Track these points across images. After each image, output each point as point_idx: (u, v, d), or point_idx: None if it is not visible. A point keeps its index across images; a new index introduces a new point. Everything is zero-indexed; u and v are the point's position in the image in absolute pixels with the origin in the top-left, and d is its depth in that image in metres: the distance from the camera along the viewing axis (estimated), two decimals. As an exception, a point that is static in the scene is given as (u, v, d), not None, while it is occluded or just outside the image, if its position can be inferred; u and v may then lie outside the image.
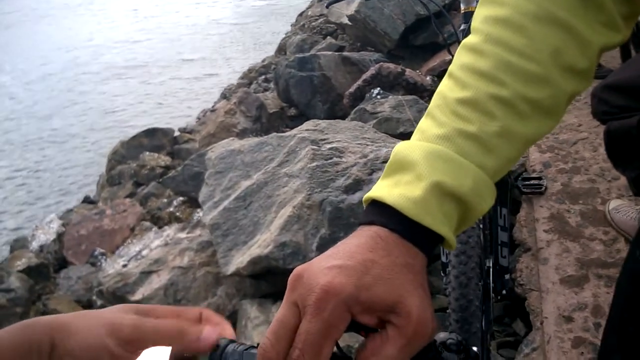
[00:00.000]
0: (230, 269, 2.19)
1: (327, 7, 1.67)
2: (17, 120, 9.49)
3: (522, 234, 2.14)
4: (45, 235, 4.34)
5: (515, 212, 2.26)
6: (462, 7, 1.49)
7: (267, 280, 2.27)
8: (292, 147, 2.40)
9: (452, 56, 1.63)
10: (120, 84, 10.72)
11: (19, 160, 8.09)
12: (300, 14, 10.15)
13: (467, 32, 1.44)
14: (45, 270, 3.67)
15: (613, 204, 2.06)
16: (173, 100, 9.49)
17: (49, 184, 7.27)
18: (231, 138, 3.35)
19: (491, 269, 1.56)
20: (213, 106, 7.61)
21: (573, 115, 2.76)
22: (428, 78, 4.37)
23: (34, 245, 4.26)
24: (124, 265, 2.70)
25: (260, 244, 2.13)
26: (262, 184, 2.35)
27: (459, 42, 1.48)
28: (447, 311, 1.21)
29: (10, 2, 20.26)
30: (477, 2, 1.51)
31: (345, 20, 5.58)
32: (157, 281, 2.47)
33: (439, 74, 4.41)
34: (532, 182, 2.31)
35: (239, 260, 2.17)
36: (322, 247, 2.09)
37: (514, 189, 2.23)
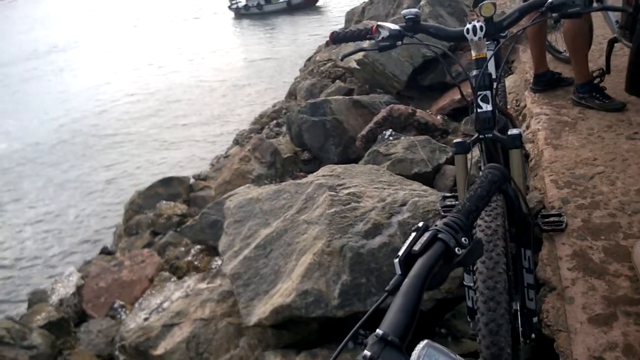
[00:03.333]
0: (253, 319, 2.18)
1: (341, 59, 1.73)
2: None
3: (545, 273, 2.11)
4: (64, 288, 4.35)
5: (537, 250, 2.24)
6: (474, 54, 1.53)
7: (290, 329, 2.25)
8: (310, 194, 2.42)
9: (464, 96, 1.67)
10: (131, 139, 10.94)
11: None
12: (309, 59, 10.39)
13: (480, 78, 1.48)
14: (66, 325, 3.67)
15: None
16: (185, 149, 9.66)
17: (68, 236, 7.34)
18: (247, 185, 3.40)
19: (519, 312, 1.54)
20: (226, 152, 7.73)
21: (588, 149, 2.76)
22: (439, 117, 4.41)
23: (54, 298, 4.27)
24: (146, 319, 2.70)
25: (282, 293, 2.13)
26: (282, 232, 2.36)
27: (472, 86, 1.51)
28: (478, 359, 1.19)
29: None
30: (487, 48, 1.55)
31: (354, 65, 5.70)
32: (179, 334, 2.45)
33: (449, 113, 4.46)
34: (551, 219, 2.29)
35: (261, 310, 2.16)
36: (344, 294, 2.08)
37: (535, 228, 2.22)
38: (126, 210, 5.79)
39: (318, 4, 24.86)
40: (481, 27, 1.48)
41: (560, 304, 1.94)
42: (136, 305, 3.28)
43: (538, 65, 3.50)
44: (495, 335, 1.13)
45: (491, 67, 1.64)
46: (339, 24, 13.92)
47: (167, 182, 5.77)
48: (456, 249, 0.74)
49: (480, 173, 0.91)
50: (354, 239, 2.14)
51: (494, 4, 1.50)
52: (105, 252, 5.68)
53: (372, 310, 0.70)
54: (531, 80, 3.58)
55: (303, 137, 4.84)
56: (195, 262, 3.82)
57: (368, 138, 4.12)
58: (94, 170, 9.46)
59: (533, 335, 1.56)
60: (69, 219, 7.80)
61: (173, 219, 4.94)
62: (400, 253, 0.74)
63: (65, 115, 13.16)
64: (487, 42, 1.64)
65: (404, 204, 2.25)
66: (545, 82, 3.48)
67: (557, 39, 3.86)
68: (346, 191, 2.37)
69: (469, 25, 1.50)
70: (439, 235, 0.74)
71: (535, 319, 1.58)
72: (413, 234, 0.77)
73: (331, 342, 2.17)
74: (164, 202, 5.32)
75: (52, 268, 6.51)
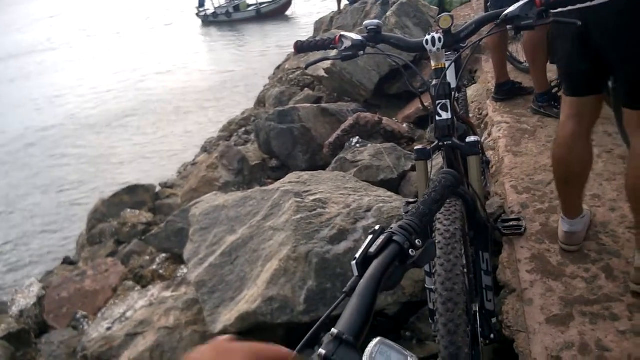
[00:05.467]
0: (218, 327, 2.16)
1: (306, 68, 1.75)
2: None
3: (505, 276, 2.17)
4: (25, 299, 4.23)
5: (498, 254, 2.30)
6: (433, 64, 1.58)
7: (256, 336, 2.24)
8: (276, 201, 2.43)
9: (424, 106, 1.71)
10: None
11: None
12: (278, 67, 10.41)
13: (439, 88, 1.52)
14: (27, 336, 3.56)
15: None
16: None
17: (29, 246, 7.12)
18: (214, 192, 3.38)
19: (478, 314, 1.59)
20: (194, 160, 7.65)
21: (546, 156, 2.85)
22: (405, 125, 4.49)
23: (14, 309, 4.14)
24: (108, 328, 2.64)
25: (248, 300, 2.13)
26: (248, 239, 2.36)
27: (431, 95, 1.55)
28: (438, 359, 1.22)
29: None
30: (446, 58, 1.60)
31: (322, 73, 5.75)
32: (142, 343, 2.41)
33: (415, 121, 4.54)
34: (511, 223, 2.36)
35: (227, 317, 2.15)
36: (310, 299, 2.09)
37: (494, 232, 2.28)
38: (89, 218, 5.66)
39: (287, 12, 24.95)
40: (439, 39, 1.53)
41: (519, 306, 2.00)
42: (99, 315, 3.21)
43: (499, 75, 3.61)
44: (454, 335, 1.16)
45: (450, 76, 1.69)
46: (308, 33, 14.01)
47: (132, 190, 5.67)
48: (410, 250, 0.76)
49: (434, 178, 0.95)
50: (320, 245, 2.16)
51: (452, 17, 1.55)
52: (67, 261, 5.54)
53: (329, 312, 0.72)
54: (493, 90, 3.69)
55: (271, 144, 4.84)
56: (160, 271, 3.77)
57: (335, 145, 4.16)
58: (57, 178, 9.22)
59: (492, 336, 1.60)
60: (30, 228, 7.57)
61: (138, 227, 4.86)
62: (357, 255, 0.76)
63: (32, 120, 12.82)
64: (447, 53, 1.69)
65: (368, 210, 2.28)
66: (506, 92, 3.59)
67: (518, 50, 3.99)
68: (312, 198, 2.39)
69: (428, 37, 1.54)
70: (394, 238, 0.76)
71: (494, 320, 1.62)
72: (370, 237, 0.79)
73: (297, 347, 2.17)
74: (129, 210, 5.23)
75: (12, 278, 6.31)
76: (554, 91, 3.25)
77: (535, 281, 2.07)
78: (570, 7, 1.39)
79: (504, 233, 2.31)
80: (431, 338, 2.14)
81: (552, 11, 1.43)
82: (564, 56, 1.90)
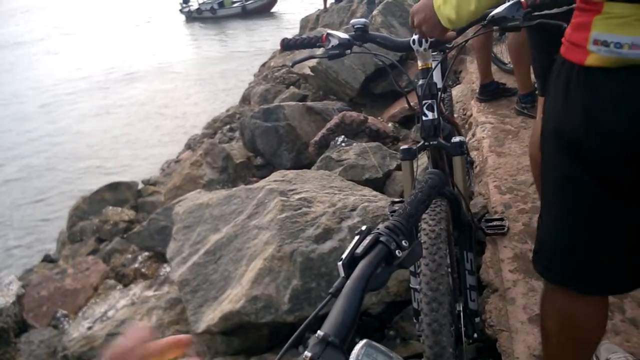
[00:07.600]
0: (201, 326, 2.15)
1: (292, 66, 1.74)
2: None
3: (488, 275, 2.18)
4: (4, 297, 4.14)
5: (481, 254, 2.32)
6: (419, 64, 1.58)
7: (239, 336, 2.23)
8: (261, 199, 2.42)
9: (410, 106, 1.70)
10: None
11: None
12: (263, 65, 10.37)
13: (425, 88, 1.52)
14: (5, 335, 3.50)
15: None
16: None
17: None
18: (198, 190, 3.35)
19: (462, 313, 1.59)
20: (177, 157, 7.59)
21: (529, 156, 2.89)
22: (390, 125, 4.50)
23: (-8, 308, 4.06)
24: (89, 328, 2.61)
25: (232, 299, 2.11)
26: (232, 237, 2.34)
27: (418, 95, 1.56)
28: (422, 359, 1.22)
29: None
30: (432, 58, 1.60)
31: (308, 71, 5.74)
32: (124, 343, 2.38)
33: (400, 121, 4.55)
34: (494, 223, 2.38)
35: (210, 316, 2.13)
36: (295, 299, 2.08)
37: (478, 232, 2.29)
38: (70, 216, 5.57)
39: (273, 9, 24.85)
40: (426, 39, 1.53)
41: (502, 305, 2.01)
42: (80, 314, 3.16)
43: (484, 76, 3.63)
44: (438, 335, 1.16)
45: (436, 76, 1.69)
46: (293, 30, 13.97)
47: (114, 187, 5.59)
48: (397, 251, 0.76)
49: (420, 178, 0.94)
50: (305, 244, 2.15)
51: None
52: (47, 259, 5.45)
53: (315, 313, 0.71)
54: (477, 90, 3.71)
55: (256, 142, 4.82)
56: (143, 270, 3.73)
57: (321, 144, 4.15)
58: (36, 173, 9.06)
59: (475, 335, 1.61)
60: (9, 225, 7.44)
61: (120, 225, 4.80)
62: (343, 256, 0.75)
63: (7, 116, 12.58)
64: (433, 53, 1.69)
65: (354, 209, 2.28)
66: (490, 92, 3.62)
67: (502, 51, 4.02)
68: (297, 196, 2.38)
69: (415, 37, 1.54)
70: (380, 239, 0.76)
71: (477, 319, 1.63)
72: (356, 237, 0.78)
73: (281, 347, 2.16)
74: (111, 207, 5.16)
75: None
76: (537, 92, 3.28)
77: (518, 280, 2.08)
78: (556, 10, 1.40)
79: (487, 233, 2.33)
80: (415, 337, 2.15)
81: (537, 13, 1.44)
82: (540, 49, 1.93)
